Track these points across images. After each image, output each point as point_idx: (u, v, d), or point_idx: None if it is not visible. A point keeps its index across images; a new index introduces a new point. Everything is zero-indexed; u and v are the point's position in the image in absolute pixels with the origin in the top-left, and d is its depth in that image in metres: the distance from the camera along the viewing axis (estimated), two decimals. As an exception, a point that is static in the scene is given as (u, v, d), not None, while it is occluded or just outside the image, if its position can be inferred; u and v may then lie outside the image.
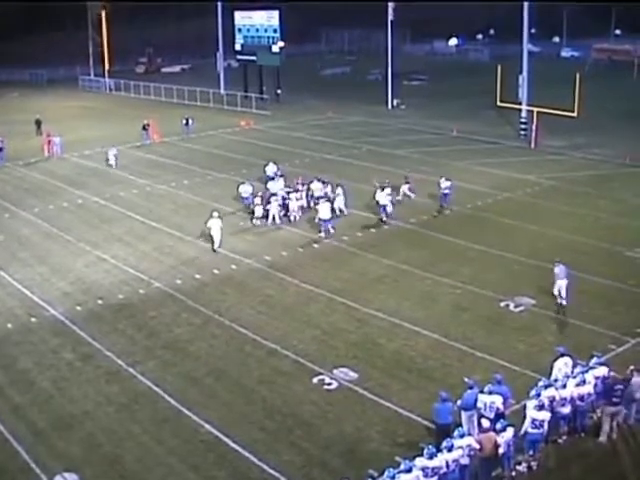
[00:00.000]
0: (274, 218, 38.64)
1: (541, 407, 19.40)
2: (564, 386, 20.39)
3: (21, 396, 23.64)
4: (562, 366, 21.61)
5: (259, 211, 38.89)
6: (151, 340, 27.10)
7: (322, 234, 36.75)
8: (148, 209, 42.36)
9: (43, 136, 58.81)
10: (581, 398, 20.37)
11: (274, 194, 39.76)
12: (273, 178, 42.45)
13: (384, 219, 38.60)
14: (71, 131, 64.09)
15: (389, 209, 38.93)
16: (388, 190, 39.11)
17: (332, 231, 37.05)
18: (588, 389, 20.49)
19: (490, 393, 20.01)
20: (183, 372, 24.82)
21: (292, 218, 39.13)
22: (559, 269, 28.28)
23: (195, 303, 29.94)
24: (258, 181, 44.64)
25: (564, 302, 27.97)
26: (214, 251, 35.23)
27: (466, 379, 21.11)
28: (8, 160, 55.14)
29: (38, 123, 65.24)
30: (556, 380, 20.91)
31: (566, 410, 20.26)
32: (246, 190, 41.36)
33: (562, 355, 21.87)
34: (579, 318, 27.38)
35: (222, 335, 27.31)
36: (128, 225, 39.96)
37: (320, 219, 37.01)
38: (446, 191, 40.77)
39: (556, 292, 28.15)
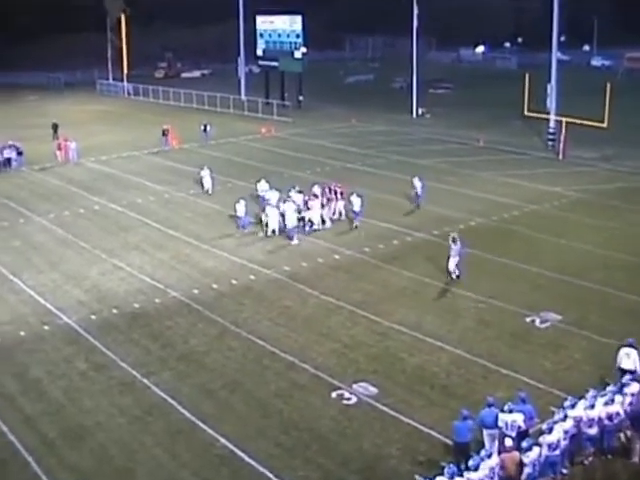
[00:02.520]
0: (274, 231, 38.36)
1: (550, 430, 19.19)
2: (592, 406, 20.17)
3: (32, 406, 23.68)
4: (623, 355, 22.18)
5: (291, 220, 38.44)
6: (166, 351, 27.10)
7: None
8: (165, 217, 42.46)
9: (59, 140, 59.00)
10: (609, 417, 20.15)
11: (270, 204, 39.25)
12: (263, 198, 40.97)
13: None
14: (88, 136, 64.48)
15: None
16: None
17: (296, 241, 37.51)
18: (617, 408, 20.26)
19: (510, 411, 19.82)
20: (198, 384, 24.78)
21: (311, 227, 39.10)
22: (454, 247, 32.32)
23: (212, 313, 29.93)
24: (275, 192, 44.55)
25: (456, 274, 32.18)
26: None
27: (489, 398, 20.93)
28: (24, 164, 55.47)
29: (55, 127, 65.60)
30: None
31: (593, 431, 20.04)
32: (241, 209, 39.57)
33: (629, 345, 21.89)
34: (609, 335, 27.08)
35: (239, 347, 27.26)
36: (145, 233, 40.05)
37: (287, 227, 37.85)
38: (419, 191, 42.70)
39: (451, 268, 32.31)
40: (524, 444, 18.70)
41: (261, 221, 39.34)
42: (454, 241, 32.94)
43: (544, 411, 21.30)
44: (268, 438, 21.77)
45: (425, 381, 24.66)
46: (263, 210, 39.44)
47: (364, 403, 23.42)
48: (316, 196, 40.04)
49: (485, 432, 20.14)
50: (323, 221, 39.80)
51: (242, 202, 39.68)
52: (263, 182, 43.05)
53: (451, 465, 17.90)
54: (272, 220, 38.37)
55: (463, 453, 19.17)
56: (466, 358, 26.01)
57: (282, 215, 38.43)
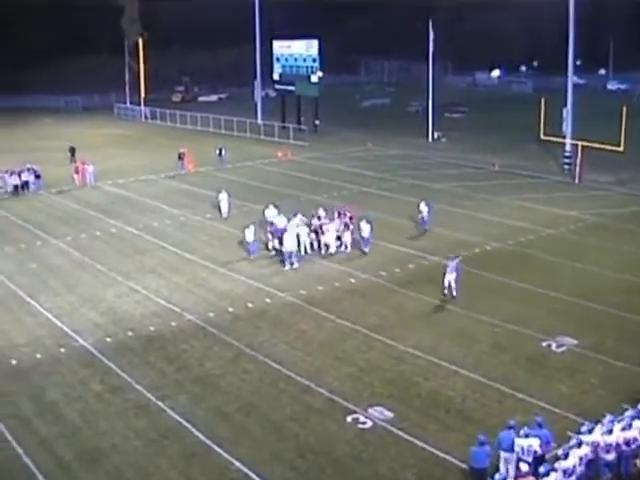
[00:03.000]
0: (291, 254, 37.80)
1: (566, 455, 19.10)
2: (610, 431, 20.06)
3: (48, 428, 23.74)
4: None
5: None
6: (181, 374, 27.14)
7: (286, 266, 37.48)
8: (181, 240, 42.62)
9: (76, 164, 59.33)
10: (627, 443, 20.03)
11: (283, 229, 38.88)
12: (272, 223, 40.13)
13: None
14: (105, 159, 64.93)
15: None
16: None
17: (296, 265, 37.43)
18: (634, 433, 20.14)
19: (527, 436, 19.73)
20: (213, 407, 24.80)
21: (328, 250, 39.21)
22: (451, 264, 33.24)
23: (227, 337, 29.97)
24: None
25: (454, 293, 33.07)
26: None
27: (511, 421, 20.82)
28: (42, 187, 55.89)
29: (72, 151, 66.06)
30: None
31: (611, 457, 19.91)
32: (250, 235, 39.01)
33: None
34: (626, 360, 27.00)
35: (254, 370, 27.28)
36: (161, 256, 40.21)
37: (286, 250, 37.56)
38: (425, 215, 43.09)
39: (446, 284, 33.28)
40: (541, 469, 18.60)
41: (267, 247, 39.52)
42: (450, 258, 33.91)
43: (561, 436, 21.22)
44: (283, 462, 21.75)
45: (440, 405, 24.61)
46: (271, 235, 39.36)
47: (379, 427, 23.38)
48: (320, 218, 40.38)
49: (502, 455, 20.07)
50: (341, 244, 39.91)
51: (251, 227, 39.35)
52: (272, 208, 42.53)
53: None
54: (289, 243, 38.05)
55: (480, 479, 19.07)
56: (482, 382, 25.93)
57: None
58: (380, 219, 42.46)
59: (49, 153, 68.64)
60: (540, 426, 20.19)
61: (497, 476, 18.32)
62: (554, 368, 26.99)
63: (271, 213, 42.07)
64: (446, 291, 33.47)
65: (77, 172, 57.73)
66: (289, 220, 39.83)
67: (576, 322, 30.53)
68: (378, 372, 26.91)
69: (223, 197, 47.26)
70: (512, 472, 19.51)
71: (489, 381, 25.99)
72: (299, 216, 40.19)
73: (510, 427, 20.28)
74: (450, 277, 33.31)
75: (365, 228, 39.45)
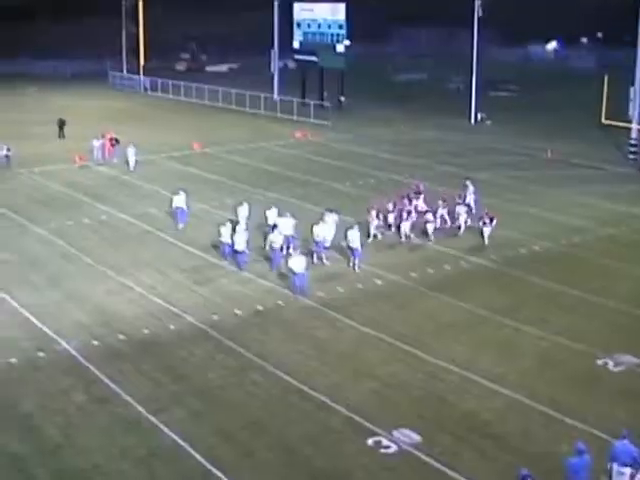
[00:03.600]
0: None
1: None
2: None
3: (22, 445, 23.74)
4: None
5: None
6: (179, 385, 27.22)
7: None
8: (183, 231, 42.76)
9: (105, 137, 59.44)
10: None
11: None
12: (275, 226, 38.72)
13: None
14: (100, 136, 65.11)
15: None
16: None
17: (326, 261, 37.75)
18: None
19: None
20: (215, 424, 24.86)
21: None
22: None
23: (233, 343, 30.04)
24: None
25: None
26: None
27: (625, 430, 20.76)
28: (22, 166, 56.20)
29: (61, 124, 66.36)
30: None
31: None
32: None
33: None
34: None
35: (263, 383, 27.33)
36: (159, 248, 40.37)
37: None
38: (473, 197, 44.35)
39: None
40: None
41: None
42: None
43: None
44: (293, 489, 21.83)
45: (476, 429, 24.56)
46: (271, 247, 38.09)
47: (405, 453, 23.35)
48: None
49: (615, 468, 20.16)
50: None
51: (228, 225, 38.17)
52: (274, 209, 40.93)
53: None
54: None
55: None
56: (525, 404, 25.87)
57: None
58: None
59: (31, 127, 69.11)
60: (580, 453, 20.10)
61: None
62: (611, 390, 26.86)
63: (273, 215, 40.54)
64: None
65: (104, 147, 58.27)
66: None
67: (638, 338, 30.39)
68: (405, 389, 26.90)
69: (179, 199, 43.88)
70: None
71: (533, 402, 25.91)
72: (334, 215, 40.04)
73: (624, 436, 20.36)
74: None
75: (354, 236, 37.46)
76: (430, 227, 40.97)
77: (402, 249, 39.70)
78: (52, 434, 24.30)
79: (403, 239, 40.66)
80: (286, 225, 38.51)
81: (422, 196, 44.45)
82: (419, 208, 42.94)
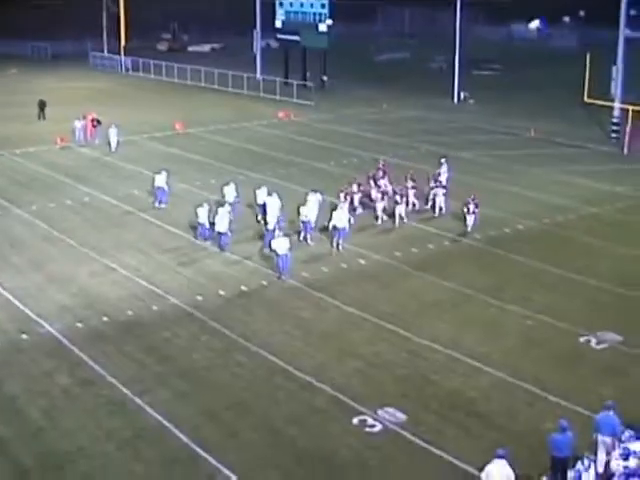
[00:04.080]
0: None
1: (627, 456, 19.20)
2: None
3: (5, 427, 23.72)
4: None
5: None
6: (164, 366, 27.22)
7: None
8: (167, 211, 42.67)
9: (87, 118, 59.11)
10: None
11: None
12: (264, 205, 39.17)
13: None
14: (81, 117, 64.82)
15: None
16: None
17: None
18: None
19: None
20: (199, 405, 24.89)
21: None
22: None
23: (217, 324, 30.05)
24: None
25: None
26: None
27: (609, 401, 21.05)
28: (3, 148, 55.97)
29: (42, 105, 66.10)
30: None
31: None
32: (203, 215, 37.84)
33: None
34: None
35: (247, 363, 27.37)
36: (142, 229, 40.30)
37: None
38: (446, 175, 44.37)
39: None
40: None
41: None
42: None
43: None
44: (279, 469, 21.84)
45: (461, 407, 24.66)
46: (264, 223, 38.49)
47: (390, 431, 23.44)
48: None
49: (600, 439, 20.49)
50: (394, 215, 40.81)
51: (206, 206, 38.24)
52: (263, 188, 40.84)
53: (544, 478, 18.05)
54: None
55: (562, 469, 19.47)
56: (509, 382, 25.98)
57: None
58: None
59: (11, 108, 68.74)
60: (564, 430, 20.22)
61: (580, 465, 18.49)
62: (593, 368, 27.03)
63: (262, 194, 40.42)
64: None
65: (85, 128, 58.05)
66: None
67: (621, 315, 30.53)
68: (389, 368, 26.98)
69: (160, 179, 44.02)
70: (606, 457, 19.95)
71: (517, 381, 26.03)
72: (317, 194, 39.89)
73: (608, 407, 20.59)
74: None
75: (341, 216, 37.30)
76: (400, 209, 40.54)
77: (385, 230, 39.68)
78: (36, 417, 24.26)
79: (397, 222, 40.35)
80: (272, 205, 38.49)
81: (387, 177, 44.06)
82: (386, 189, 42.65)
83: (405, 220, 40.41)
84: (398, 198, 40.49)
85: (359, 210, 41.41)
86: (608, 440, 20.42)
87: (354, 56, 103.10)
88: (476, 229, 39.00)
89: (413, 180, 42.18)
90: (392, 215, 40.54)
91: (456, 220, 40.57)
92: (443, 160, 45.79)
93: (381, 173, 44.18)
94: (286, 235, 35.02)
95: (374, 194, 41.93)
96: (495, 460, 18.95)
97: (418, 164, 50.76)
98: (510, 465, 18.89)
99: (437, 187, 42.56)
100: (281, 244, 33.93)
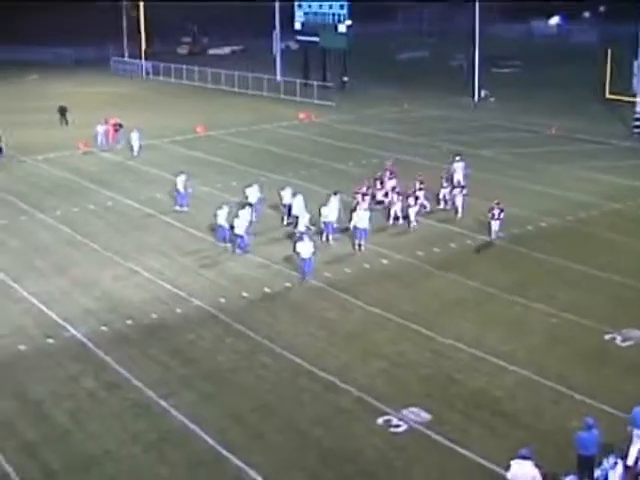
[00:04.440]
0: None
1: None
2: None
3: (33, 431, 23.86)
4: None
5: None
6: (188, 368, 27.28)
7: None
8: (189, 214, 42.74)
9: (108, 123, 59.33)
10: None
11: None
12: (290, 206, 40.09)
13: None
14: (103, 122, 65.07)
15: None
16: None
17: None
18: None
19: None
20: (225, 407, 24.92)
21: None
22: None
23: (241, 326, 30.07)
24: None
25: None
26: None
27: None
28: (26, 154, 56.15)
29: (62, 111, 66.36)
30: None
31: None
32: (222, 217, 38.01)
33: None
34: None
35: (272, 365, 27.38)
36: (165, 233, 40.37)
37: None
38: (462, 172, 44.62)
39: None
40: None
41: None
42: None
43: (623, 445, 21.19)
44: (304, 470, 21.84)
45: (486, 407, 24.59)
46: (293, 225, 38.90)
47: (415, 431, 23.40)
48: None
49: (635, 432, 20.53)
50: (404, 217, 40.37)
51: (225, 208, 38.37)
52: (288, 189, 41.29)
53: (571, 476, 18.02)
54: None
55: (588, 467, 19.43)
56: (534, 380, 25.89)
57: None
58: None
59: (33, 114, 69.03)
60: (590, 428, 20.13)
61: (606, 463, 18.48)
62: (619, 365, 26.89)
63: (287, 195, 40.95)
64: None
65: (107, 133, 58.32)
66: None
67: (645, 312, 30.44)
68: (414, 368, 26.94)
69: (180, 181, 44.01)
70: None
71: (543, 379, 25.93)
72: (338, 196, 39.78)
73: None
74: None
75: (364, 217, 37.70)
76: (412, 211, 40.00)
77: (407, 229, 39.61)
78: (62, 420, 24.36)
79: (411, 226, 39.94)
80: (299, 205, 39.07)
81: (394, 178, 43.54)
82: (396, 190, 42.04)
83: (415, 223, 39.96)
84: (412, 200, 40.09)
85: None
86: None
87: (374, 56, 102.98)
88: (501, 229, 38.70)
89: (422, 182, 41.85)
90: (405, 217, 40.28)
91: (478, 218, 40.41)
92: (458, 158, 45.71)
93: (388, 174, 43.95)
94: (310, 239, 34.93)
95: (379, 196, 41.82)
96: (519, 461, 18.83)
97: (439, 163, 50.62)
98: (536, 465, 18.80)
99: (456, 187, 42.40)
100: (306, 247, 33.85)
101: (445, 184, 42.88)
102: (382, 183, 42.95)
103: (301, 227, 36.73)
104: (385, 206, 41.37)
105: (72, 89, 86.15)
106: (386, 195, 42.05)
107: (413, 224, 39.84)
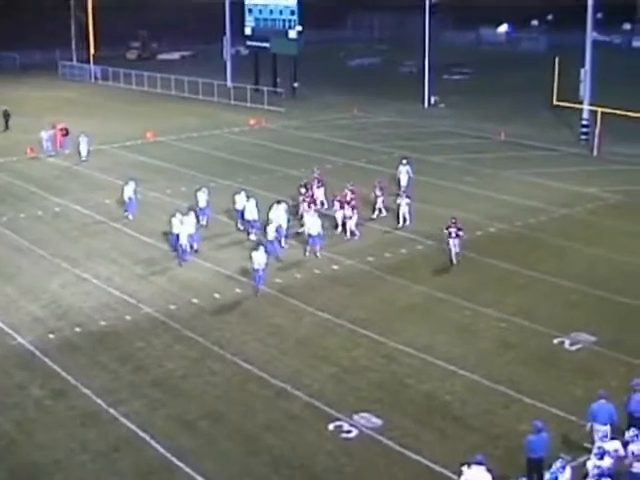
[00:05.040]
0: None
1: (602, 455, 19.21)
2: (638, 436, 20.17)
3: (-22, 441, 23.64)
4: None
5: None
6: (138, 375, 27.10)
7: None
8: (138, 220, 42.47)
9: (55, 128, 58.80)
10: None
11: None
12: (242, 211, 40.04)
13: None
14: (48, 127, 64.48)
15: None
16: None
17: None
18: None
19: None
20: (174, 414, 24.78)
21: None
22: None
23: (191, 333, 29.95)
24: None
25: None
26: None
27: (601, 391, 21.60)
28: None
29: (6, 116, 65.75)
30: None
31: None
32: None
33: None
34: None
35: (222, 371, 27.29)
36: (114, 239, 40.10)
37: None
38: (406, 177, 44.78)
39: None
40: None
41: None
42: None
43: (575, 447, 21.36)
44: (255, 477, 21.76)
45: (436, 411, 24.68)
46: (247, 231, 39.27)
47: (366, 437, 23.42)
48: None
49: (595, 427, 20.96)
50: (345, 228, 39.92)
51: (178, 216, 37.56)
52: (242, 193, 41.02)
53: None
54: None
55: (537, 470, 19.62)
56: (484, 385, 26.03)
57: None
58: (368, 197, 42.37)
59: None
60: (539, 431, 20.30)
61: (554, 466, 18.65)
62: (568, 369, 27.11)
63: (241, 200, 40.71)
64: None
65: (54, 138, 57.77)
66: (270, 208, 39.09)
67: (594, 316, 30.66)
68: (365, 373, 26.96)
69: (129, 189, 43.41)
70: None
71: (493, 383, 26.08)
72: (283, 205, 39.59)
73: (601, 397, 21.15)
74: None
75: (314, 223, 37.42)
76: (352, 223, 39.53)
77: (358, 235, 39.63)
78: (9, 429, 24.11)
79: (348, 236, 39.51)
80: (251, 209, 39.23)
81: (322, 187, 43.03)
82: (319, 199, 42.19)
83: (357, 235, 39.50)
84: (349, 211, 39.35)
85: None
86: (604, 428, 20.85)
87: (324, 62, 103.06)
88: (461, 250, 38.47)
89: (381, 188, 41.95)
90: (344, 225, 39.91)
91: (428, 225, 40.54)
92: (405, 161, 45.93)
93: (316, 182, 43.47)
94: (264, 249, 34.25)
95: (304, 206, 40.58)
96: (473, 466, 18.94)
97: (391, 169, 50.74)
98: (488, 470, 18.90)
99: (400, 195, 41.75)
100: (259, 257, 33.20)
101: (379, 192, 42.08)
102: (307, 190, 41.73)
103: (270, 235, 36.46)
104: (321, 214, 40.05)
105: (20, 94, 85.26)
106: (321, 204, 41.93)
107: (356, 235, 39.44)
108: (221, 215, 42.03)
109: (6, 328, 30.42)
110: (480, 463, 19.09)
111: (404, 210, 40.87)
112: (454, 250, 36.02)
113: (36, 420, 24.52)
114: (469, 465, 19.07)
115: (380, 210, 41.92)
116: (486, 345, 28.81)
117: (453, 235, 35.95)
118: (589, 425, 21.29)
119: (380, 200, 41.69)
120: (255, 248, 34.23)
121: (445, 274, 34.92)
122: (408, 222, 40.90)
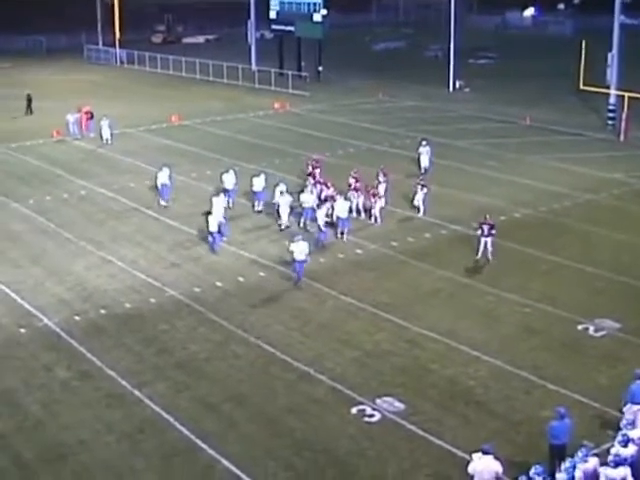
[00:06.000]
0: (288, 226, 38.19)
1: (626, 442, 19.13)
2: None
3: (4, 422, 23.76)
4: None
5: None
6: (162, 358, 27.24)
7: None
8: (163, 204, 42.56)
9: (81, 112, 59.02)
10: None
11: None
12: (259, 193, 40.79)
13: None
14: (74, 110, 64.71)
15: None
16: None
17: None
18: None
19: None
20: (198, 397, 24.91)
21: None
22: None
23: (215, 316, 30.07)
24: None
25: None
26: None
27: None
28: None
29: (29, 100, 65.99)
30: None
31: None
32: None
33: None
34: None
35: (245, 354, 27.39)
36: (139, 222, 40.25)
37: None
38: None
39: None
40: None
41: (278, 213, 38.84)
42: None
43: (597, 435, 21.34)
44: (278, 460, 21.86)
45: (459, 396, 24.69)
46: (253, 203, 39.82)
47: (388, 421, 23.48)
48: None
49: (634, 408, 20.82)
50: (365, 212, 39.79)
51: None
52: (262, 175, 41.53)
53: (537, 466, 18.04)
54: (284, 213, 38.15)
55: (560, 456, 19.53)
56: (507, 370, 26.01)
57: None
58: (392, 181, 42.29)
59: (5, 102, 68.75)
60: (562, 418, 20.27)
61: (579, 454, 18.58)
62: (592, 355, 27.05)
63: (260, 182, 41.16)
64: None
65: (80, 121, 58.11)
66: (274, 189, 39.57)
67: (618, 303, 30.54)
68: (388, 357, 27.00)
69: (163, 175, 43.09)
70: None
71: (516, 369, 26.06)
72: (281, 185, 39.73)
73: (638, 377, 21.17)
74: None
75: (343, 207, 37.43)
76: (376, 208, 39.30)
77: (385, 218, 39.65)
78: (35, 410, 24.28)
79: (372, 221, 39.32)
80: (259, 182, 40.58)
81: (385, 184, 41.58)
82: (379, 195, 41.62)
83: (379, 221, 39.24)
84: (353, 196, 39.23)
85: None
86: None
87: (349, 46, 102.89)
88: (473, 216, 38.34)
89: (384, 175, 41.25)
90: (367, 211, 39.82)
91: (452, 209, 40.49)
92: (424, 142, 45.83)
93: (382, 176, 41.81)
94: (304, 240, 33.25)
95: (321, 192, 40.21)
96: (481, 455, 18.93)
97: (413, 153, 50.61)
98: (497, 459, 18.89)
99: (417, 185, 40.87)
100: (300, 248, 32.35)
101: (382, 179, 41.06)
102: (314, 177, 41.63)
103: (321, 220, 36.60)
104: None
105: (46, 77, 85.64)
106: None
107: (378, 220, 39.20)
108: (244, 199, 42.03)
109: (33, 310, 30.62)
110: (487, 452, 19.05)
111: (419, 199, 40.36)
112: (490, 249, 34.65)
113: (62, 401, 24.70)
114: (483, 452, 19.00)
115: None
116: (510, 331, 28.78)
117: (486, 233, 34.60)
118: (627, 407, 21.08)
119: (382, 187, 40.82)
120: (292, 240, 33.07)
121: (469, 259, 34.81)
122: (421, 213, 40.32)
